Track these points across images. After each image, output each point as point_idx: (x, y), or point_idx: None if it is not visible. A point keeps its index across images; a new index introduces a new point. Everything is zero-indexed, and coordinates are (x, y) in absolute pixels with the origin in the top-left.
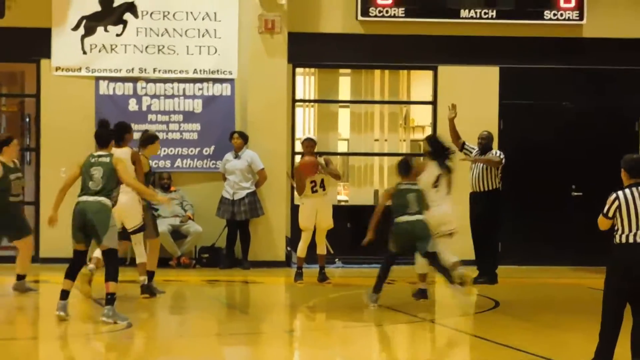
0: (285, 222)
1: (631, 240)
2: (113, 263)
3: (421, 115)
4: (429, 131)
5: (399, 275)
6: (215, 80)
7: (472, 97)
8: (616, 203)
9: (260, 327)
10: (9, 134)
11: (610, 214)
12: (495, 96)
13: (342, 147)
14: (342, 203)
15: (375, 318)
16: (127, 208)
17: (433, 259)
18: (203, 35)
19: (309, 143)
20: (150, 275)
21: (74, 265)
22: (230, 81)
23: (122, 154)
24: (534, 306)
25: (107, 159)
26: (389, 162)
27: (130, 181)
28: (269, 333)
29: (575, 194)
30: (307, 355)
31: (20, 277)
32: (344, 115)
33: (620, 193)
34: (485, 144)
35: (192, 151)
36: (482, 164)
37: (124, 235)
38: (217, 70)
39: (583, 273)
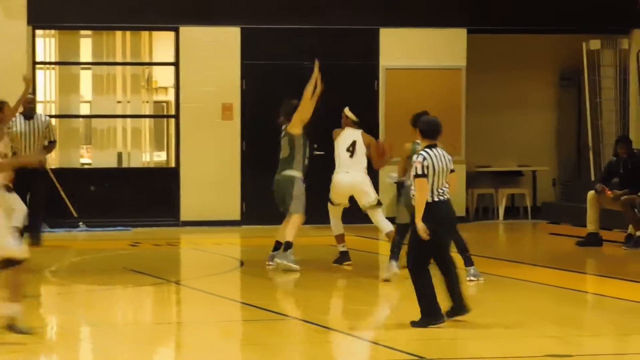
0: None
1: (436, 199)
2: None
3: (164, 77)
4: (172, 92)
5: (143, 238)
6: None
7: (214, 58)
8: (426, 162)
9: (2, 293)
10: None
11: (426, 172)
12: (237, 57)
13: (85, 110)
14: (86, 166)
15: (120, 281)
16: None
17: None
18: None
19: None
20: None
21: None
22: None
23: None
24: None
25: None
26: (132, 124)
27: None
28: None
29: (318, 153)
30: (50, 320)
31: None
32: (85, 78)
33: (425, 153)
34: None
35: None
36: None
37: None
38: None
39: (324, 231)
